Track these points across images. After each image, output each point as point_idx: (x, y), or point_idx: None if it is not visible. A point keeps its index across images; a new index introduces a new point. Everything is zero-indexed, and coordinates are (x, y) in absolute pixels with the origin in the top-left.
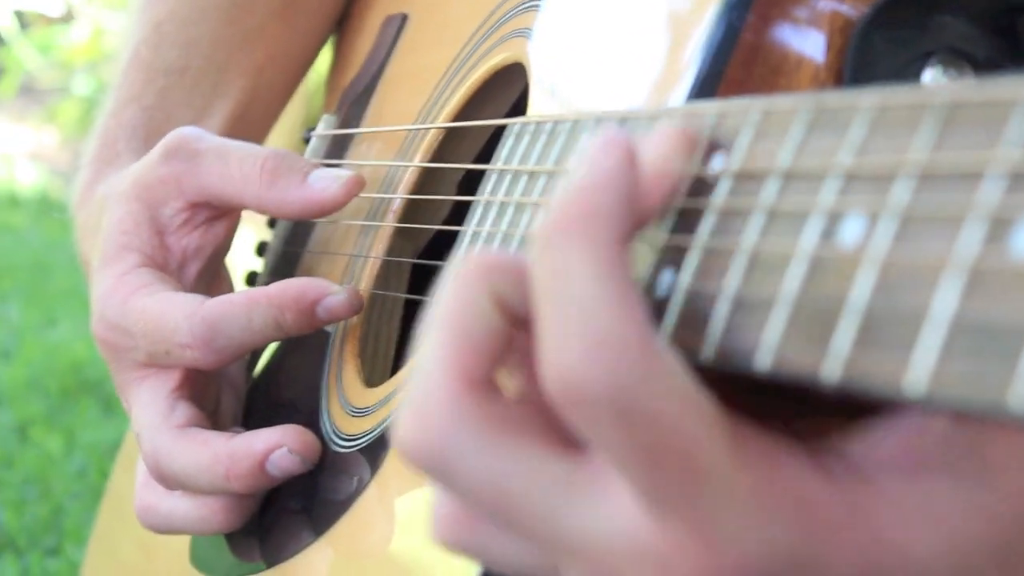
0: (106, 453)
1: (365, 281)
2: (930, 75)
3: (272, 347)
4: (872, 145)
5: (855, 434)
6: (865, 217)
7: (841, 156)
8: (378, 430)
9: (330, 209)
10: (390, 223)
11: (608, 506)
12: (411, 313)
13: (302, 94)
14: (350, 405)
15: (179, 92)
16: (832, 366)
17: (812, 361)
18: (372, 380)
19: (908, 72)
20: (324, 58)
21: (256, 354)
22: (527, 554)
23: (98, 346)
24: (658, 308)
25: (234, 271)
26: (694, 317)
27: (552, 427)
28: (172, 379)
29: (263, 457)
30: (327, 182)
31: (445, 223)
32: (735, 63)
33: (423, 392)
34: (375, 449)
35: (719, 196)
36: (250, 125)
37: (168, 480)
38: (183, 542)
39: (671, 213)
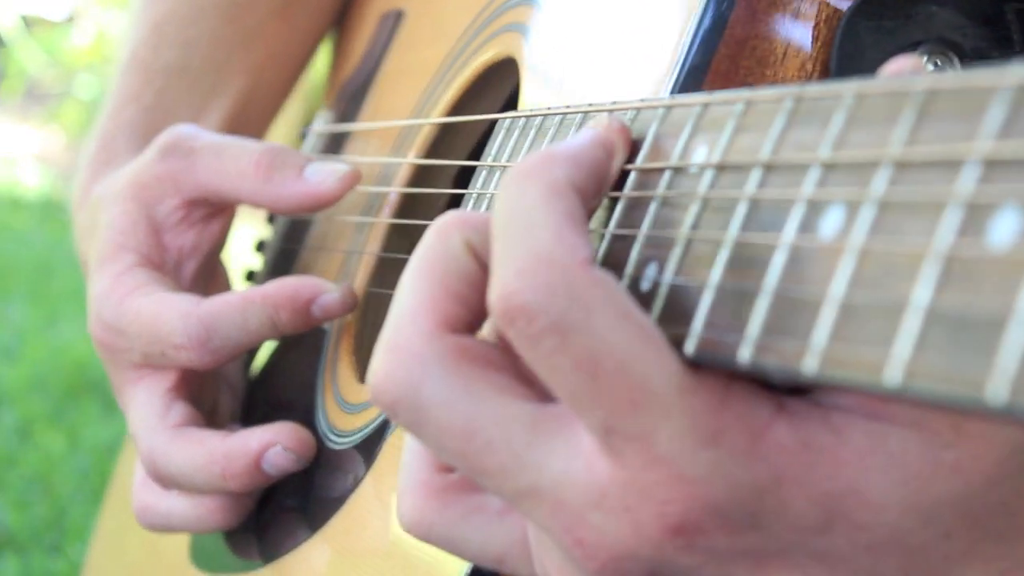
0: (108, 452)
1: (360, 278)
2: None
3: (269, 345)
4: (852, 135)
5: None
6: (845, 208)
7: (822, 147)
8: (373, 426)
9: (326, 203)
10: (385, 219)
11: (568, 448)
12: None
13: (300, 91)
14: (345, 401)
15: (178, 91)
16: (811, 360)
17: (793, 353)
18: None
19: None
20: (322, 56)
21: (253, 352)
22: (492, 535)
23: (95, 346)
24: (643, 303)
25: (233, 268)
26: (677, 311)
27: (521, 373)
28: (168, 379)
29: (258, 456)
30: (323, 176)
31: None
32: (722, 55)
33: (397, 331)
34: (370, 445)
35: (701, 188)
36: (249, 123)
37: (165, 480)
38: (184, 540)
39: (655, 206)
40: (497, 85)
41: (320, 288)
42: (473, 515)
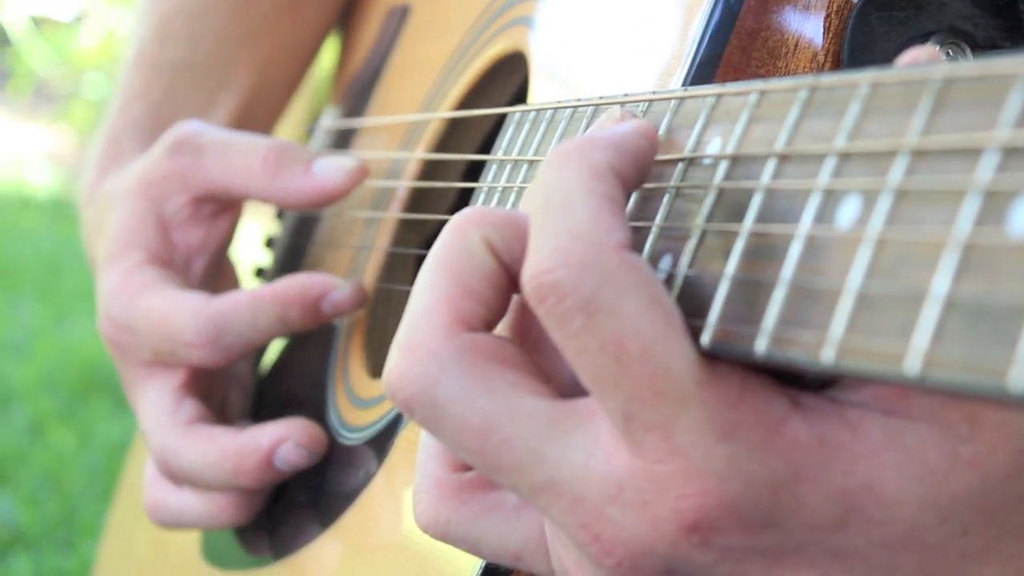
0: (119, 450)
1: (370, 273)
2: None
3: (279, 342)
4: (869, 125)
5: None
6: (862, 197)
7: (837, 137)
8: (384, 421)
9: (335, 198)
10: (394, 214)
11: (586, 441)
12: None
13: (306, 87)
14: (356, 397)
15: (185, 87)
16: (829, 350)
17: (811, 344)
18: (378, 372)
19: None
20: (327, 52)
21: (262, 349)
22: (509, 532)
23: (105, 344)
24: None
25: (242, 265)
26: (692, 303)
27: (537, 370)
28: (178, 376)
29: (270, 452)
30: (331, 171)
31: (450, 213)
32: (733, 47)
33: (413, 329)
34: (382, 440)
35: (716, 179)
36: (257, 119)
37: (176, 477)
38: (195, 537)
39: (668, 197)
40: (505, 80)
41: (330, 285)
42: (490, 513)
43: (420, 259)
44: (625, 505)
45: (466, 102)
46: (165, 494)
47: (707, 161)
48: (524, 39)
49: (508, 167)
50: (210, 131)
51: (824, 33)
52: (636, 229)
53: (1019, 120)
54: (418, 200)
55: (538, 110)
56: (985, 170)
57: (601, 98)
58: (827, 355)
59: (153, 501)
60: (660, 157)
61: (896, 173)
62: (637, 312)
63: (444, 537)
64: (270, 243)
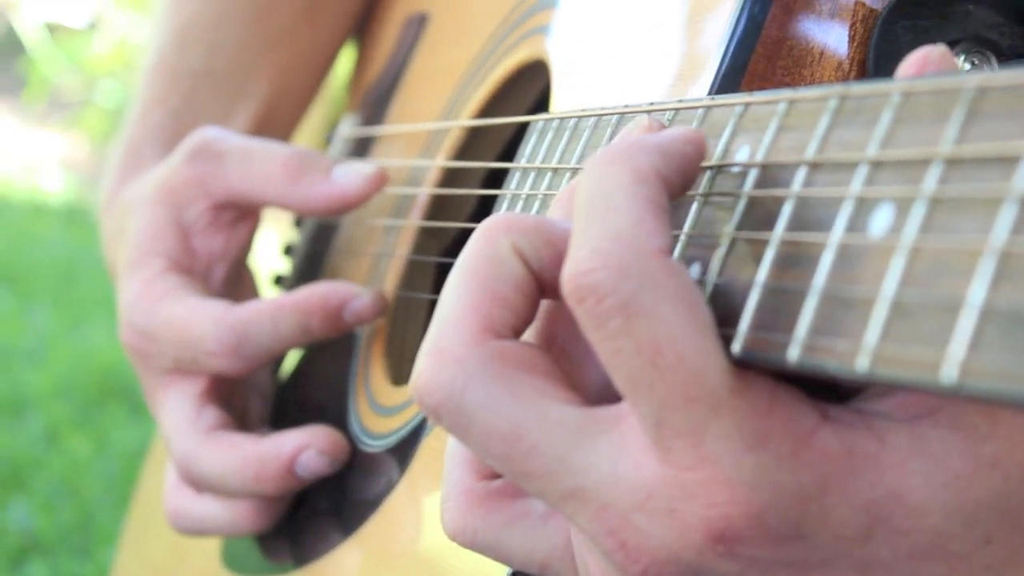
0: (135, 456)
1: (390, 281)
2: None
3: (298, 350)
4: (901, 133)
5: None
6: (895, 206)
7: (869, 146)
8: (407, 428)
9: (354, 204)
10: (414, 221)
11: (614, 449)
12: None
13: (323, 95)
14: (378, 404)
15: (204, 94)
16: (863, 359)
17: (845, 352)
18: (400, 379)
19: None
20: (343, 61)
21: (281, 358)
22: (536, 541)
23: (126, 352)
24: None
25: (260, 273)
26: (722, 311)
27: (565, 378)
28: (199, 384)
29: (291, 459)
30: (350, 177)
31: (470, 221)
32: (758, 56)
33: (441, 335)
34: (404, 448)
35: (745, 187)
36: (275, 126)
37: (198, 483)
38: (214, 543)
39: (696, 205)
40: (526, 88)
41: (351, 293)
42: (517, 521)
43: (440, 267)
44: (652, 513)
45: (486, 111)
46: (186, 501)
47: (736, 169)
48: (545, 48)
49: (532, 175)
50: (230, 138)
51: (849, 42)
52: None
53: None
54: (438, 208)
55: (562, 118)
56: (1022, 178)
57: (626, 107)
58: (861, 364)
59: (174, 508)
60: None
61: (930, 181)
62: (675, 318)
63: (471, 545)
64: (289, 251)
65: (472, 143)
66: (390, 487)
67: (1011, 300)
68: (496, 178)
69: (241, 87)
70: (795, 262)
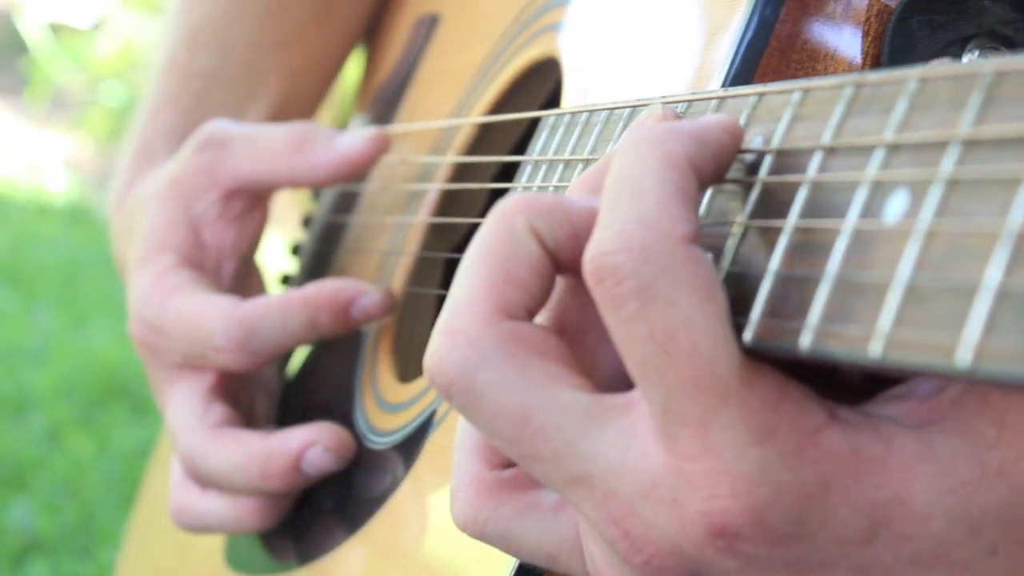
0: (137, 456)
1: (398, 279)
2: (969, 59)
3: (305, 347)
4: (916, 120)
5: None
6: (910, 190)
7: (885, 133)
8: (413, 425)
9: (360, 167)
10: (424, 218)
11: (622, 436)
12: None
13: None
14: (384, 401)
15: (215, 95)
16: (877, 344)
17: (858, 338)
18: (407, 376)
19: (947, 56)
20: (352, 62)
21: (288, 355)
22: (546, 532)
23: (135, 345)
24: None
25: (268, 272)
26: (735, 299)
27: (577, 363)
28: (207, 380)
29: (297, 456)
30: (353, 140)
31: (480, 217)
32: (772, 50)
33: (454, 315)
34: (410, 445)
35: (760, 175)
36: None
37: (203, 479)
38: (218, 542)
39: (709, 193)
40: (537, 86)
41: (359, 290)
42: (527, 512)
43: (449, 264)
44: (656, 503)
45: (497, 109)
46: (191, 497)
47: (750, 157)
48: (558, 45)
49: (543, 168)
50: (236, 127)
51: (863, 37)
52: None
53: None
54: (448, 206)
55: (574, 113)
56: None
57: (639, 100)
58: (874, 349)
59: (179, 504)
60: None
61: (947, 164)
62: (691, 306)
63: (481, 536)
64: (296, 250)
65: (483, 140)
66: (395, 484)
67: None
68: (507, 177)
69: (252, 88)
70: (809, 249)
